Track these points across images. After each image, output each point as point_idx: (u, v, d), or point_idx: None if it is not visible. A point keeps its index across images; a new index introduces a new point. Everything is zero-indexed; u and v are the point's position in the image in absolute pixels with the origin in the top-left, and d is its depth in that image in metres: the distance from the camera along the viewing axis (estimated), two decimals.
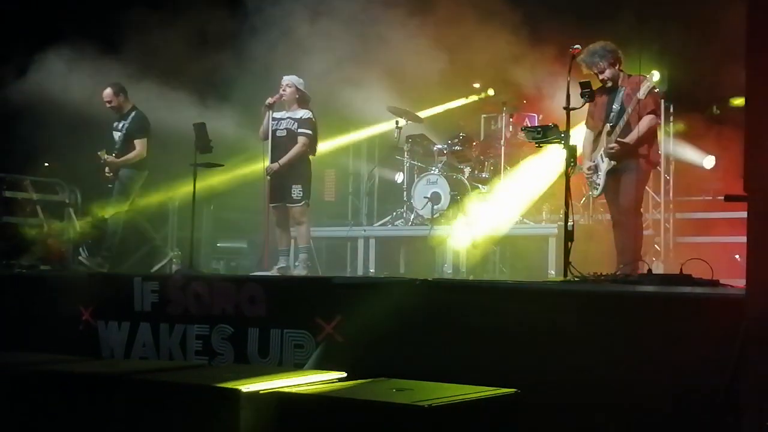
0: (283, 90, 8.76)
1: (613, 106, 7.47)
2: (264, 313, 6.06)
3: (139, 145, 9.57)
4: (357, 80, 10.43)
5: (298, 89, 8.77)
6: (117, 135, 9.63)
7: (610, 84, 7.48)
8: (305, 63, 9.86)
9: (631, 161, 7.39)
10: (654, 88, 7.29)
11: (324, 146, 9.79)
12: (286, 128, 8.72)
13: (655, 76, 7.41)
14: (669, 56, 9.39)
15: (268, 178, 8.75)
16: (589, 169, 7.60)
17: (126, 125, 9.58)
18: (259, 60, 10.02)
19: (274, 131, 8.72)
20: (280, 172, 8.65)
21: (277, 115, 8.78)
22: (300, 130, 8.69)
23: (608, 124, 7.46)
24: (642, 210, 7.86)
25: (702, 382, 4.41)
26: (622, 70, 7.51)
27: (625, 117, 7.34)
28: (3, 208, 10.67)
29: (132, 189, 9.62)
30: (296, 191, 8.66)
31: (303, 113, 8.76)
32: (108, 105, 9.63)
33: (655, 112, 7.52)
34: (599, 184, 7.55)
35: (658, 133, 8.00)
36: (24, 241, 10.52)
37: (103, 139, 9.86)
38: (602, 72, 7.44)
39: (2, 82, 10.42)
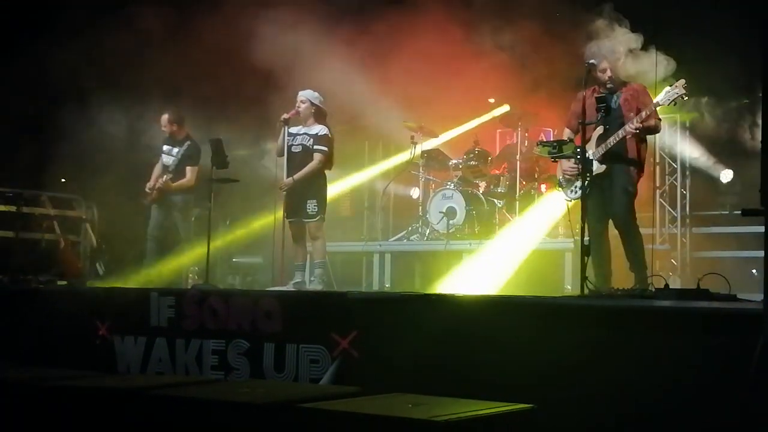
0: (299, 106, 8.75)
1: (610, 108, 7.15)
2: (280, 328, 6.07)
3: (191, 172, 9.70)
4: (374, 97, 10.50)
5: (313, 104, 8.73)
6: (170, 159, 9.79)
7: (610, 85, 7.26)
8: (322, 78, 9.91)
9: (622, 168, 7.17)
10: (682, 96, 6.95)
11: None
12: (301, 144, 8.68)
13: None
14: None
15: (283, 193, 8.75)
16: (570, 168, 7.33)
17: (181, 152, 9.74)
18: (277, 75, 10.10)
19: (289, 146, 8.70)
20: (295, 188, 8.65)
21: (293, 130, 8.75)
22: (316, 147, 8.65)
23: (601, 127, 7.17)
24: (641, 222, 7.60)
25: (719, 396, 4.38)
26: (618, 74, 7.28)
27: (624, 122, 7.10)
28: (21, 223, 10.74)
29: (190, 213, 9.75)
30: (311, 206, 8.64)
31: (319, 129, 8.70)
32: (164, 129, 9.85)
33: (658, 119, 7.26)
34: (578, 188, 7.21)
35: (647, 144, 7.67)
36: (41, 256, 10.59)
37: (120, 158, 9.95)
38: (611, 68, 7.22)
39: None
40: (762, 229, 3.69)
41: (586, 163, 7.07)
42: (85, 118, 10.53)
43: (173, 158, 9.78)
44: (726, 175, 10.68)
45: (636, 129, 7.06)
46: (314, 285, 8.76)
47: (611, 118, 7.18)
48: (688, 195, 10.91)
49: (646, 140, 7.39)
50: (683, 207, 10.91)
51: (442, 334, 5.42)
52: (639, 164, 7.26)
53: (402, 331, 5.57)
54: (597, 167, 7.19)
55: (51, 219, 11.13)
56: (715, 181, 10.79)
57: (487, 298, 6.89)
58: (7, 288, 8.97)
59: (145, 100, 10.09)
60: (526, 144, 10.56)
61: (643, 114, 7.07)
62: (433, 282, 10.15)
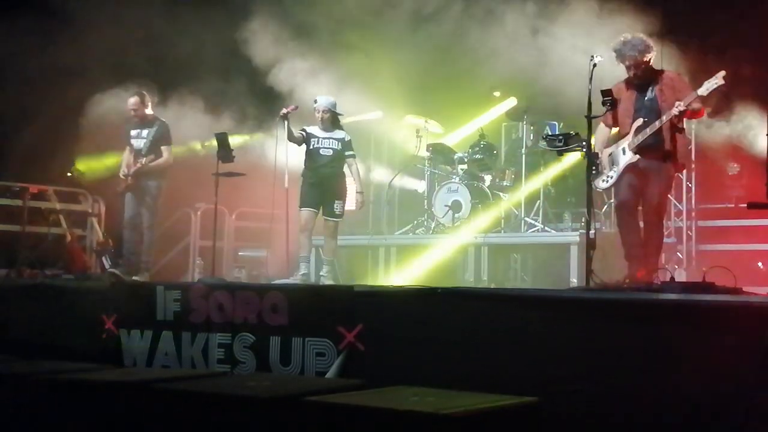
0: (320, 114, 8.93)
1: (645, 101, 7.22)
2: (286, 322, 6.08)
3: (167, 152, 9.61)
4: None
5: (332, 111, 8.99)
6: (141, 142, 9.61)
7: (638, 80, 7.25)
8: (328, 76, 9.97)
9: (659, 162, 7.17)
10: (720, 87, 6.93)
11: None
12: (331, 148, 8.94)
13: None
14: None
15: (286, 186, 8.79)
16: (601, 159, 7.36)
17: (152, 133, 9.58)
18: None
19: (317, 149, 8.90)
20: (321, 183, 8.87)
21: (317, 133, 8.95)
22: (348, 153, 9.01)
23: (641, 119, 7.18)
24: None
25: (724, 389, 4.39)
26: (651, 66, 7.29)
27: (661, 112, 7.10)
28: (27, 217, 10.75)
29: (159, 199, 9.69)
30: (338, 207, 8.94)
31: (344, 135, 9.04)
32: (133, 113, 9.64)
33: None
34: (611, 177, 7.33)
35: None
36: (47, 250, 10.61)
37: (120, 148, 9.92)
38: (634, 65, 7.21)
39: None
40: (767, 221, 3.68)
41: (616, 155, 7.28)
42: (90, 109, 10.56)
43: (144, 140, 9.59)
44: (732, 168, 10.64)
45: (676, 113, 7.01)
46: (326, 280, 8.85)
47: (648, 109, 7.20)
48: (693, 188, 10.89)
49: (683, 132, 7.35)
50: (689, 200, 10.88)
51: (448, 327, 5.43)
52: (674, 157, 7.22)
53: (408, 324, 5.58)
54: (631, 157, 7.21)
55: (57, 213, 11.15)
56: (720, 173, 10.76)
57: (492, 291, 6.91)
58: (14, 282, 9.00)
59: (151, 90, 10.04)
60: (531, 137, 10.55)
61: (682, 105, 6.98)
62: (438, 275, 10.17)
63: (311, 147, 8.92)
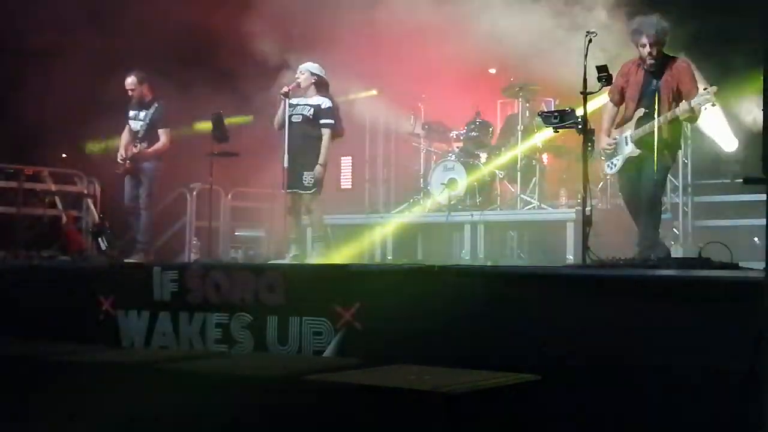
0: (298, 77, 8.68)
1: (650, 89, 7.14)
2: (283, 301, 6.08)
3: (164, 135, 9.46)
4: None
5: (312, 74, 8.64)
6: (138, 124, 9.49)
7: (651, 62, 7.11)
8: (320, 51, 9.89)
9: (652, 154, 7.03)
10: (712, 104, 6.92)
11: None
12: (301, 114, 8.56)
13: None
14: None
15: (286, 166, 8.61)
16: (609, 145, 7.35)
17: (150, 115, 9.46)
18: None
19: (289, 117, 8.51)
20: (295, 158, 8.51)
21: (293, 101, 8.62)
22: (322, 121, 8.55)
23: (642, 109, 7.13)
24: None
25: (721, 365, 4.40)
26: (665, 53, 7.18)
27: (661, 104, 7.03)
28: (22, 199, 10.75)
29: (157, 181, 9.64)
30: (308, 178, 8.53)
31: (323, 101, 8.59)
32: (130, 93, 9.52)
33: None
34: (615, 165, 7.35)
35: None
36: (43, 232, 10.61)
37: (116, 129, 9.88)
38: (649, 45, 7.05)
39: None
40: (764, 197, 3.68)
41: (620, 142, 7.28)
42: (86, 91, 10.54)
43: (141, 122, 9.46)
44: (731, 144, 10.63)
45: (671, 118, 7.01)
46: (314, 257, 8.74)
47: (651, 99, 7.11)
48: (689, 163, 10.88)
49: (679, 123, 7.30)
50: (685, 176, 10.88)
51: (445, 305, 5.43)
52: (670, 146, 7.20)
53: (404, 302, 5.57)
54: (632, 150, 7.20)
55: (53, 194, 11.15)
56: (717, 149, 10.76)
57: (489, 268, 6.92)
58: (10, 264, 9.00)
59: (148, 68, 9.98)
60: (527, 115, 10.54)
61: (690, 104, 6.91)
62: (435, 253, 10.19)
63: (287, 118, 8.51)
